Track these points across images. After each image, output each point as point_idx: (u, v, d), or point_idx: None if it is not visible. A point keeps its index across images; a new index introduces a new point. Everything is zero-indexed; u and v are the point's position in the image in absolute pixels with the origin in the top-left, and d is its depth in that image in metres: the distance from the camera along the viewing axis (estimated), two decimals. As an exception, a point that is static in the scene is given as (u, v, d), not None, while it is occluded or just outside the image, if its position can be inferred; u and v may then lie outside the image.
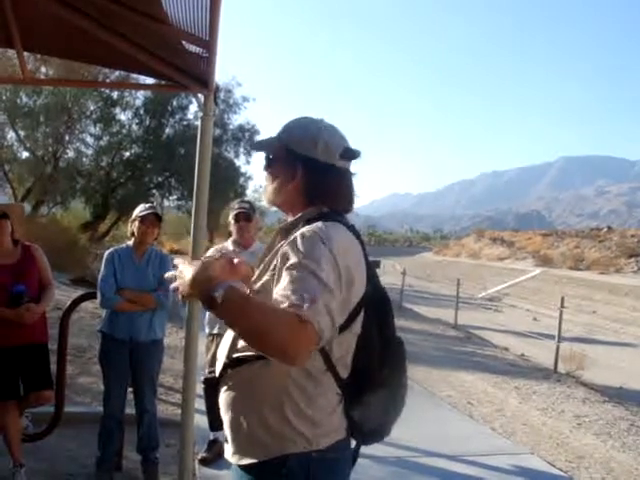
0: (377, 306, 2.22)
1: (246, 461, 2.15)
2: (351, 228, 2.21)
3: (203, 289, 1.88)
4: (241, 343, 2.14)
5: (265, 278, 2.16)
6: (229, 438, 2.21)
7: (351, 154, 2.30)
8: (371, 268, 2.22)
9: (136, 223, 5.08)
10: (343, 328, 2.07)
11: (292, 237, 2.08)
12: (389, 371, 2.22)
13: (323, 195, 2.27)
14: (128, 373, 5.10)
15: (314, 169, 2.25)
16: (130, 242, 5.18)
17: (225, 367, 2.21)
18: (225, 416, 2.22)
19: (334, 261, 1.97)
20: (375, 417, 2.23)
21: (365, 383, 2.16)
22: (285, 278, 1.93)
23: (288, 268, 1.96)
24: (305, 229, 2.07)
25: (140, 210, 5.12)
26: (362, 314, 2.15)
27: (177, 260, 2.07)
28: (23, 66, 4.81)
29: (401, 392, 2.31)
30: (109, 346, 5.09)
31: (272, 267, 2.13)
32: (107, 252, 5.18)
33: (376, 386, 2.18)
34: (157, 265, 5.14)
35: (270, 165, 2.36)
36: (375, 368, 2.19)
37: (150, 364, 5.17)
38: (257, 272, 2.25)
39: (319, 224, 2.09)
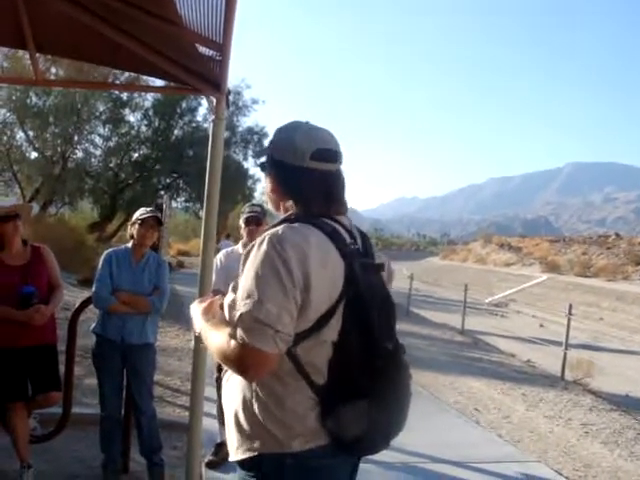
0: (358, 314, 2.13)
1: (235, 457, 2.23)
2: (329, 231, 2.20)
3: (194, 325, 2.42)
4: None
5: (237, 280, 2.22)
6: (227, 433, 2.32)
7: (323, 155, 2.29)
8: (354, 273, 2.15)
9: (136, 226, 5.08)
10: (307, 334, 2.09)
11: (253, 242, 2.16)
12: (370, 382, 2.10)
13: (296, 198, 2.30)
14: (122, 374, 5.11)
15: (285, 172, 2.31)
16: (129, 244, 5.19)
17: (220, 367, 2.33)
18: (225, 410, 2.34)
19: (283, 266, 2.04)
20: (353, 428, 2.10)
21: (339, 393, 2.09)
22: (238, 293, 2.10)
23: (239, 285, 2.12)
24: (263, 236, 2.13)
25: (140, 213, 5.13)
26: (338, 322, 2.11)
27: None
28: (36, 67, 4.81)
29: (395, 405, 2.21)
30: (101, 347, 5.08)
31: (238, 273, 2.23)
32: (105, 252, 5.19)
33: (351, 397, 2.09)
34: (154, 270, 5.14)
35: (263, 171, 2.44)
36: (350, 379, 2.10)
37: (143, 367, 5.16)
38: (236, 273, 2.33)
39: (279, 228, 2.14)
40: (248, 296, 2.02)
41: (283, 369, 2.09)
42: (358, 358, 2.11)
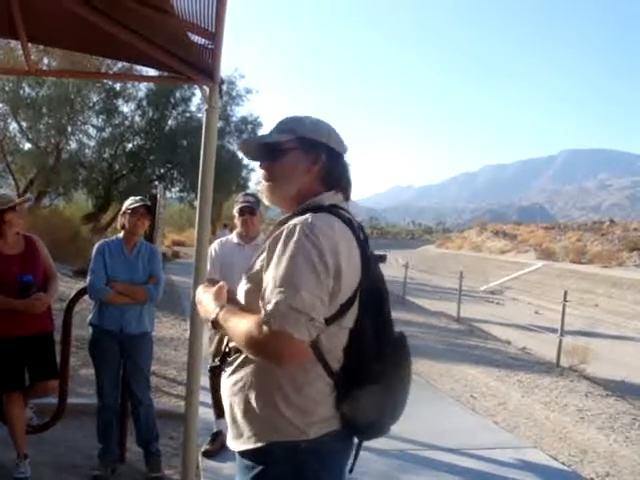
0: (372, 302, 2.22)
1: (240, 447, 2.23)
2: (347, 220, 2.23)
3: (203, 314, 2.34)
4: None
5: (256, 268, 2.24)
6: (228, 424, 2.31)
7: (346, 148, 2.46)
8: (369, 262, 2.23)
9: (126, 216, 5.10)
10: (331, 321, 2.12)
11: (280, 230, 2.15)
12: (382, 367, 2.19)
13: (337, 182, 2.38)
14: (119, 364, 5.13)
15: (332, 156, 2.37)
16: (120, 235, 5.20)
17: (224, 355, 2.32)
18: (224, 403, 2.33)
19: (317, 255, 2.06)
20: (368, 412, 2.20)
21: (354, 378, 2.16)
22: (267, 279, 2.08)
23: (269, 267, 2.09)
24: (292, 222, 2.13)
25: (130, 203, 5.15)
26: (355, 309, 2.18)
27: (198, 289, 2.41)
28: (28, 57, 4.80)
29: (401, 389, 2.29)
30: (99, 338, 5.09)
31: (261, 258, 2.22)
32: (97, 244, 5.20)
33: (366, 382, 2.16)
34: (147, 258, 5.16)
35: (280, 157, 2.36)
36: (365, 364, 2.17)
37: (141, 356, 5.18)
38: (253, 261, 2.31)
39: (307, 216, 2.14)
40: (282, 284, 2.01)
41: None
42: (372, 344, 2.18)
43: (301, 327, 1.98)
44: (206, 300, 2.33)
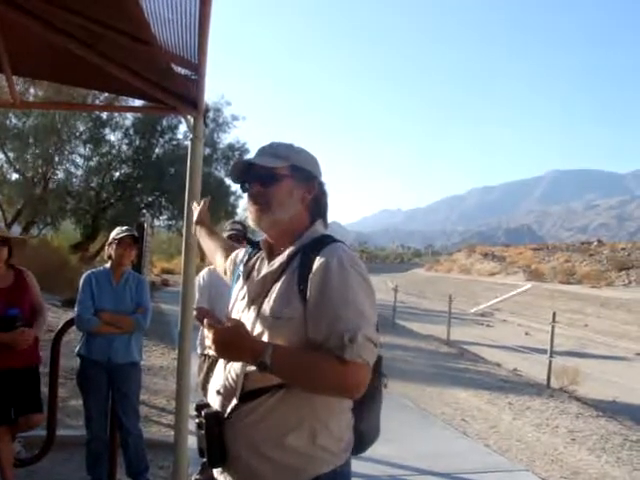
0: None
1: None
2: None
3: (249, 358, 2.05)
4: (257, 375, 2.09)
5: (283, 304, 2.17)
6: (250, 474, 2.19)
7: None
8: None
9: (113, 246, 5.12)
10: None
11: (319, 263, 2.13)
12: (376, 386, 2.29)
13: (323, 212, 2.39)
14: (108, 394, 5.11)
15: (321, 188, 2.39)
16: (107, 265, 5.20)
17: (241, 399, 2.19)
18: (243, 451, 2.19)
19: (368, 285, 2.14)
20: (374, 427, 2.37)
21: (367, 398, 2.19)
22: (322, 312, 2.06)
23: (322, 300, 2.08)
24: (330, 256, 2.13)
25: (117, 233, 5.17)
26: None
27: (206, 321, 2.13)
28: (12, 90, 4.81)
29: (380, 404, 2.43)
30: (87, 369, 5.08)
31: (295, 290, 2.16)
32: (84, 275, 5.20)
33: (372, 399, 2.28)
34: (134, 288, 5.17)
35: (273, 183, 2.29)
36: (377, 383, 2.30)
37: (129, 386, 5.17)
38: (272, 296, 2.22)
39: (341, 247, 2.19)
40: (354, 316, 2.04)
41: None
42: (376, 369, 2.23)
43: (372, 355, 2.05)
44: (240, 339, 2.07)
